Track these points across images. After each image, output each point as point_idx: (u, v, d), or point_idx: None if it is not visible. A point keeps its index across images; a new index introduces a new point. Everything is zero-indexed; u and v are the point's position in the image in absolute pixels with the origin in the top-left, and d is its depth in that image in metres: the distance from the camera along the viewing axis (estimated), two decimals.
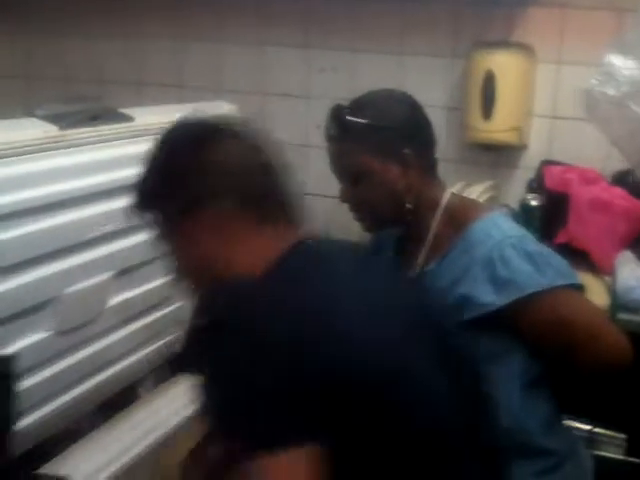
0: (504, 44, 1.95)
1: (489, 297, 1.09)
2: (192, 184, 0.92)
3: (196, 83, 2.23)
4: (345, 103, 1.24)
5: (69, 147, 1.12)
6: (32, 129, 1.11)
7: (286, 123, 2.20)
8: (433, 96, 1.93)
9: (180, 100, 2.06)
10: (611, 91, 1.57)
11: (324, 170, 2.17)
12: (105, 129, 1.18)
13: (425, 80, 2.04)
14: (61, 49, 2.35)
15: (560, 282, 1.11)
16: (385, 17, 2.08)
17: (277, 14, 2.12)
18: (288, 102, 2.19)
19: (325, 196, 2.18)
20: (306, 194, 2.21)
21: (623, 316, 1.58)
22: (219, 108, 1.48)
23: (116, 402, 1.45)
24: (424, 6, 2.02)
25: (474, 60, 1.95)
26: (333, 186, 2.13)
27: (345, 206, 1.34)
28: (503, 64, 1.92)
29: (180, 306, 1.71)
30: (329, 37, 2.11)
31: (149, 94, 2.25)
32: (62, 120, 1.12)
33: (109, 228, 1.29)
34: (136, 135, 1.24)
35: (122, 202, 1.29)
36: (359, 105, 1.23)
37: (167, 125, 1.31)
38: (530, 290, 1.09)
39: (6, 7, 2.28)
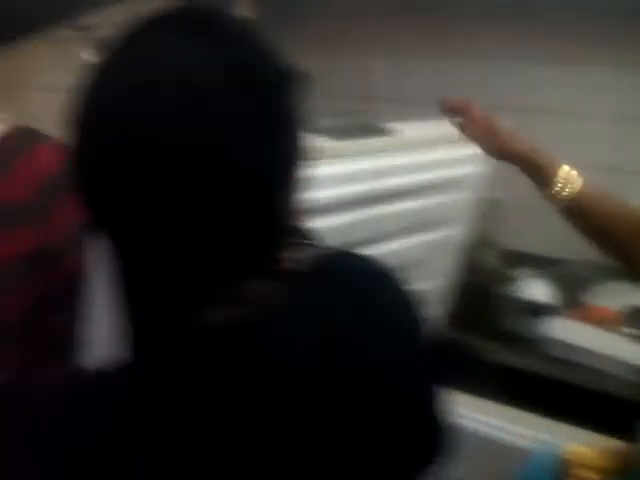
0: None
1: None
2: None
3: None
4: None
5: (342, 157, 1.24)
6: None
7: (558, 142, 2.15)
8: None
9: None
10: None
11: None
12: (372, 142, 1.29)
13: None
14: (334, 66, 2.54)
15: None
16: None
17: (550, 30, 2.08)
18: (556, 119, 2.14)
19: None
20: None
21: None
22: None
23: None
24: None
25: None
26: None
27: None
28: None
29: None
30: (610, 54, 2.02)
31: (409, 111, 2.33)
32: (337, 133, 1.24)
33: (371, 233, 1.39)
34: (400, 148, 1.33)
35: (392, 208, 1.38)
36: None
37: (430, 139, 1.39)
38: None
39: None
